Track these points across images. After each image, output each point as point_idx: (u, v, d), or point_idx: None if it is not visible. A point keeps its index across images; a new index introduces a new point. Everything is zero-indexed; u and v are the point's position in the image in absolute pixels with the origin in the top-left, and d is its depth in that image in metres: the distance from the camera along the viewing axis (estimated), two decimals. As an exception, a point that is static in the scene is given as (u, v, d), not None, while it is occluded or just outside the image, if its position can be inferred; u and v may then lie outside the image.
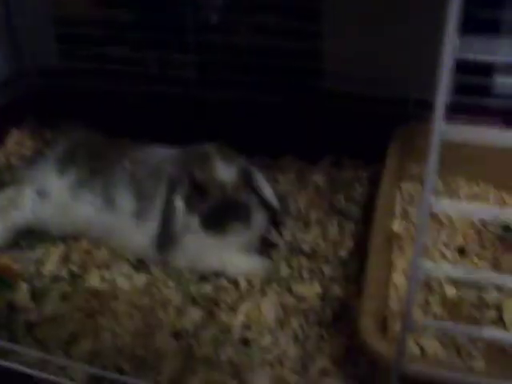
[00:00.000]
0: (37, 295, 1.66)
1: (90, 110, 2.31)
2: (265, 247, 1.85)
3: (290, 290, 1.69)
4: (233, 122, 2.17)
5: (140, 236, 1.77)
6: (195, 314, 1.61)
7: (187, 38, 2.32)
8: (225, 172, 1.68)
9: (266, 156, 2.20)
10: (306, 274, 1.75)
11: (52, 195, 1.89)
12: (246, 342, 1.53)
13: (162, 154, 1.87)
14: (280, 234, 1.91)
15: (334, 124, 2.15)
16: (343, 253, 1.82)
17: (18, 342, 1.50)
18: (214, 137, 1.76)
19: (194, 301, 1.66)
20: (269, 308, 1.62)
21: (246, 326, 1.57)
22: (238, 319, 1.60)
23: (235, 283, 1.72)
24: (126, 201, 1.80)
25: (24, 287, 1.68)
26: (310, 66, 2.23)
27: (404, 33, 2.02)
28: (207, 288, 1.71)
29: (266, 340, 1.53)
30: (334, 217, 1.97)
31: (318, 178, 2.16)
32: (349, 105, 2.19)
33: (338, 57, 2.18)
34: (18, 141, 2.45)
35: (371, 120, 2.12)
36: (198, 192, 1.69)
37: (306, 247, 1.85)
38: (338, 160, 2.23)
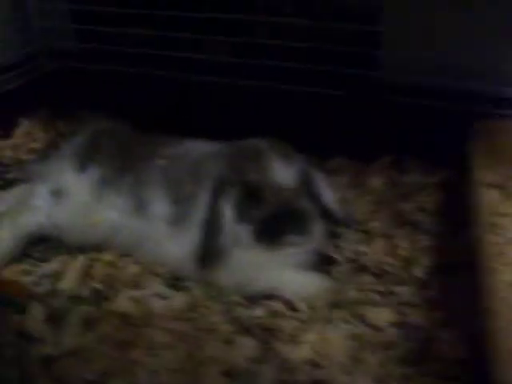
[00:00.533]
0: (54, 320, 1.38)
1: (112, 98, 2.07)
2: (323, 264, 1.58)
3: (360, 317, 1.42)
4: (274, 116, 1.95)
5: (177, 248, 1.51)
6: (249, 346, 1.34)
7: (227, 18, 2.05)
8: (282, 173, 1.43)
9: (315, 156, 1.89)
10: (376, 297, 1.49)
11: (70, 196, 1.63)
12: (316, 385, 1.25)
13: (202, 150, 1.61)
14: (340, 248, 1.65)
15: (392, 120, 1.92)
16: (419, 272, 1.55)
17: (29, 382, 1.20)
18: (252, 132, 1.53)
19: (244, 329, 1.39)
20: (339, 340, 1.35)
21: (313, 363, 1.30)
22: (303, 353, 1.32)
23: (293, 308, 1.45)
24: (159, 204, 1.54)
25: (38, 310, 1.40)
26: (366, 55, 1.96)
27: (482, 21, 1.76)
28: (259, 313, 1.44)
29: (342, 382, 1.23)
30: (401, 228, 1.70)
31: (377, 182, 1.89)
32: (411, 99, 1.92)
33: (400, 44, 1.93)
34: (28, 132, 2.20)
35: (438, 116, 1.88)
36: (250, 197, 1.43)
37: (371, 264, 1.59)
38: (397, 161, 1.96)
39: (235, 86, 2.06)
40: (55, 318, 1.38)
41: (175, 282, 1.53)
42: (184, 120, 1.86)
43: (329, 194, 1.57)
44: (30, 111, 2.25)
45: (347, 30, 1.94)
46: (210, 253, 1.44)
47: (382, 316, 1.42)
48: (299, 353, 1.32)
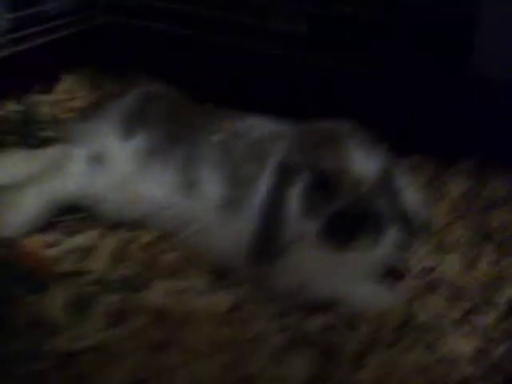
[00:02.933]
0: (76, 307, 1.20)
1: (167, 61, 1.96)
2: (391, 277, 1.40)
3: (428, 346, 1.23)
4: (350, 100, 1.78)
5: (226, 236, 1.34)
6: (301, 365, 1.15)
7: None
8: (363, 166, 1.24)
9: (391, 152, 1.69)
10: (447, 325, 1.29)
11: (110, 164, 1.48)
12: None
13: (267, 128, 1.44)
14: (408, 259, 1.46)
15: (479, 116, 1.73)
16: (501, 298, 1.35)
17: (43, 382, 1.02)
18: (322, 114, 1.34)
19: (298, 342, 1.21)
20: (406, 369, 1.15)
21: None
22: (363, 381, 1.13)
23: (353, 323, 1.26)
24: (212, 184, 1.38)
25: (59, 293, 1.22)
26: (454, 41, 1.76)
27: None
28: (314, 326, 1.25)
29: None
30: (483, 244, 1.51)
31: (458, 187, 1.69)
32: (501, 92, 1.72)
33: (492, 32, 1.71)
34: (71, 89, 2.05)
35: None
36: (321, 188, 1.24)
37: (444, 284, 1.40)
38: (482, 164, 1.77)
39: (306, 61, 1.90)
40: (78, 305, 1.21)
41: (220, 275, 1.36)
42: (243, 93, 1.70)
43: (409, 196, 1.38)
44: (75, 66, 2.11)
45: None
46: (265, 246, 1.26)
47: (455, 348, 1.23)
48: (359, 380, 1.13)
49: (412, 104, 1.79)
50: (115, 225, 1.45)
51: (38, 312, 1.16)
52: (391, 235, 1.33)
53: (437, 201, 1.63)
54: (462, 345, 1.23)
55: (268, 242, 1.25)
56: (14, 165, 1.55)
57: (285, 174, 1.27)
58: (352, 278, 1.29)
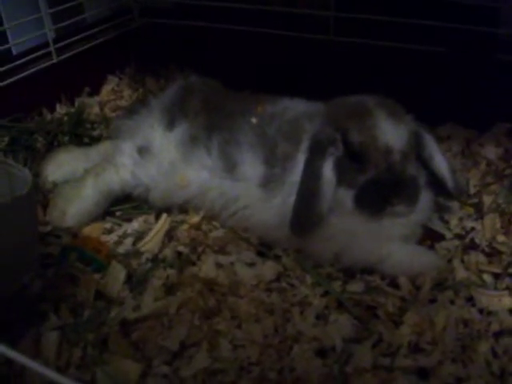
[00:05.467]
0: (134, 282, 1.29)
1: (203, 56, 1.99)
2: (428, 238, 1.44)
3: (469, 300, 1.26)
4: (378, 75, 1.79)
5: (268, 212, 1.38)
6: (344, 324, 1.20)
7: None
8: (392, 135, 1.28)
9: (422, 121, 1.69)
10: (488, 279, 1.32)
11: (157, 153, 1.53)
12: (418, 371, 1.11)
13: (299, 108, 1.47)
14: (446, 222, 1.49)
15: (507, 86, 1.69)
16: None
17: (107, 346, 1.11)
18: (356, 91, 1.38)
19: (340, 305, 1.26)
20: (446, 323, 1.19)
21: (416, 348, 1.15)
22: (404, 336, 1.17)
23: (395, 284, 1.30)
24: (251, 165, 1.42)
25: (118, 271, 1.30)
26: (484, 7, 1.74)
27: None
28: (357, 288, 1.30)
29: (449, 372, 1.08)
30: None
31: (491, 152, 1.70)
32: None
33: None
34: (116, 89, 2.13)
35: None
36: (353, 159, 1.29)
37: (482, 242, 1.42)
38: None
39: (337, 43, 1.92)
40: (135, 280, 1.29)
41: (264, 248, 1.41)
42: (275, 78, 1.73)
43: (442, 161, 1.40)
44: (118, 67, 2.18)
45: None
46: (305, 218, 1.30)
47: (496, 300, 1.26)
48: (400, 335, 1.18)
49: (442, 74, 1.79)
50: (166, 209, 1.51)
51: (103, 287, 1.24)
52: (425, 199, 1.36)
53: (471, 166, 1.65)
54: (501, 298, 1.25)
55: (308, 213, 1.28)
56: (71, 162, 1.65)
57: (318, 149, 1.30)
58: (390, 241, 1.32)
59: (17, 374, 1.05)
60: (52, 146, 1.77)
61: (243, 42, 2.02)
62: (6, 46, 1.91)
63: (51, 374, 0.67)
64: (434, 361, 1.12)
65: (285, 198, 1.34)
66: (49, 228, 1.44)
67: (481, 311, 1.23)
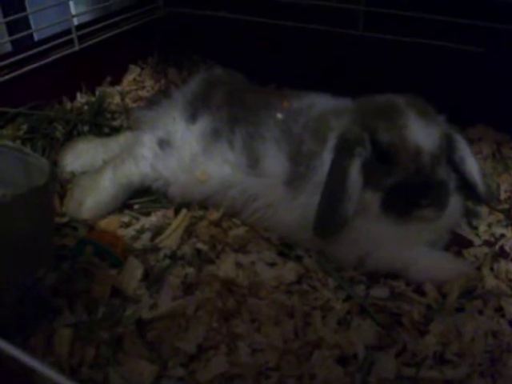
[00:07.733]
0: (150, 280, 1.24)
1: (228, 47, 1.95)
2: (457, 245, 1.39)
3: (498, 311, 1.22)
4: (407, 72, 1.76)
5: (291, 211, 1.33)
6: (367, 331, 1.16)
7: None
8: (422, 136, 1.23)
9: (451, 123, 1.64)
10: None
11: (178, 146, 1.49)
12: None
13: (326, 105, 1.42)
14: (475, 228, 1.45)
15: None
16: None
17: (121, 345, 1.07)
18: (385, 89, 1.33)
19: (363, 310, 1.21)
20: (474, 334, 1.14)
21: (443, 359, 1.10)
22: (429, 345, 1.12)
23: (421, 291, 1.25)
24: (275, 162, 1.37)
25: (134, 267, 1.26)
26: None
27: None
28: (381, 293, 1.25)
29: (476, 384, 1.02)
30: None
31: None
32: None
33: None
34: (138, 79, 2.09)
35: None
36: (381, 160, 1.24)
37: None
38: None
39: (363, 38, 1.88)
40: (152, 277, 1.25)
41: (286, 248, 1.37)
42: (304, 74, 1.68)
43: (473, 165, 1.34)
44: (141, 57, 2.15)
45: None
46: (330, 219, 1.25)
47: None
48: (425, 345, 1.13)
49: (473, 73, 1.74)
50: (185, 204, 1.47)
51: (118, 283, 1.20)
52: (455, 204, 1.32)
53: (502, 171, 1.61)
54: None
55: (332, 215, 1.23)
56: (90, 152, 1.61)
57: (346, 148, 1.25)
58: (417, 246, 1.27)
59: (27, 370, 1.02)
60: (71, 135, 1.73)
61: (269, 34, 1.98)
62: (29, 32, 1.88)
63: (59, 378, 0.64)
64: (462, 374, 1.07)
65: (309, 198, 1.29)
66: (65, 219, 1.40)
67: (511, 323, 1.18)
